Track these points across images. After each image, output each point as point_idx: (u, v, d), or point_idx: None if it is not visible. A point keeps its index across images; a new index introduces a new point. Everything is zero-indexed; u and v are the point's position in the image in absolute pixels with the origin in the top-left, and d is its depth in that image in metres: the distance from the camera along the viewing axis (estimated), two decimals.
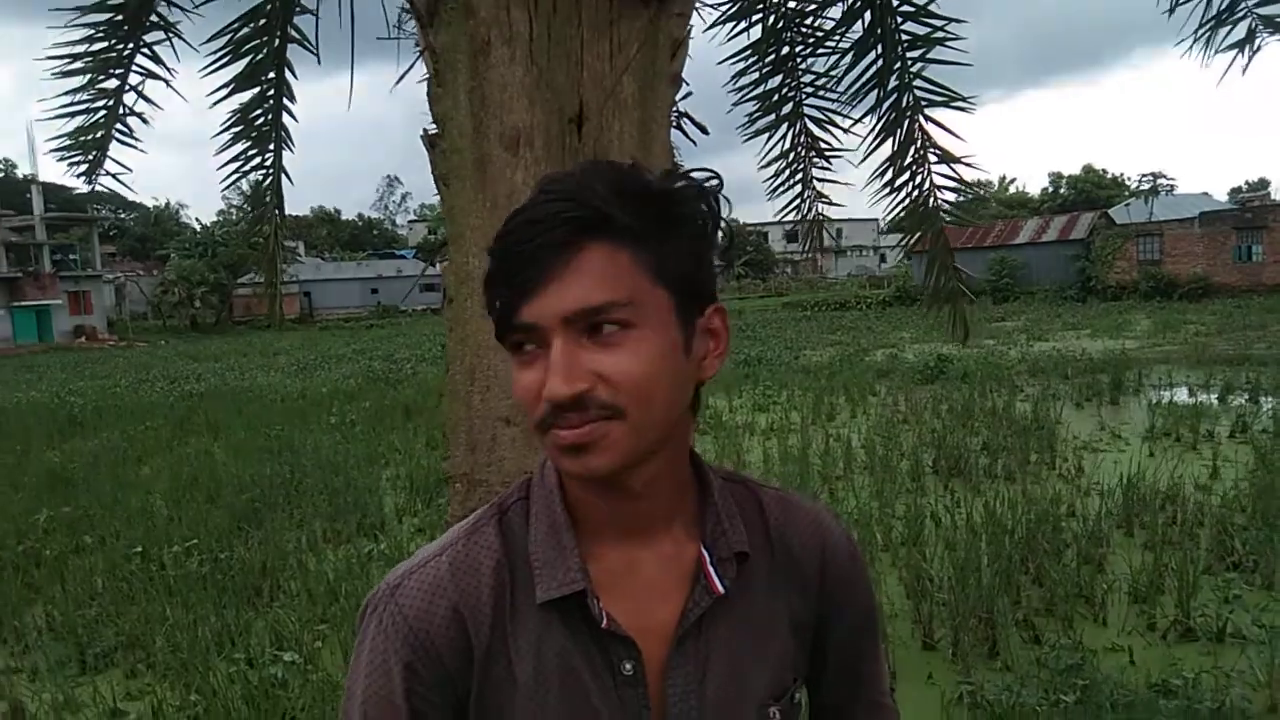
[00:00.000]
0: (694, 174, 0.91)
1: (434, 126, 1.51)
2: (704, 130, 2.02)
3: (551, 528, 0.94)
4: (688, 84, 3.34)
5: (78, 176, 3.13)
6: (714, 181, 0.92)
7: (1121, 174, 76.96)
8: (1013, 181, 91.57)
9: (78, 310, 50.85)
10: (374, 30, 2.73)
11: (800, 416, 11.43)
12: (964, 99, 3.36)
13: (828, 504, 1.04)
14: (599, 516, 0.95)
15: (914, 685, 4.33)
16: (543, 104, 1.38)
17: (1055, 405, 11.08)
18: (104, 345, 44.57)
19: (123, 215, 78.30)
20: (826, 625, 1.06)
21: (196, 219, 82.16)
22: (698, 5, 3.08)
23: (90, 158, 3.10)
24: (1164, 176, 55.02)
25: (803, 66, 3.53)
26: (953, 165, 3.57)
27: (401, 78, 2.14)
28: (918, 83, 3.34)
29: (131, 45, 2.87)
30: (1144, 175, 54.64)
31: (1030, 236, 39.15)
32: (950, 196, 3.74)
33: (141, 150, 3.18)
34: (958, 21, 3.18)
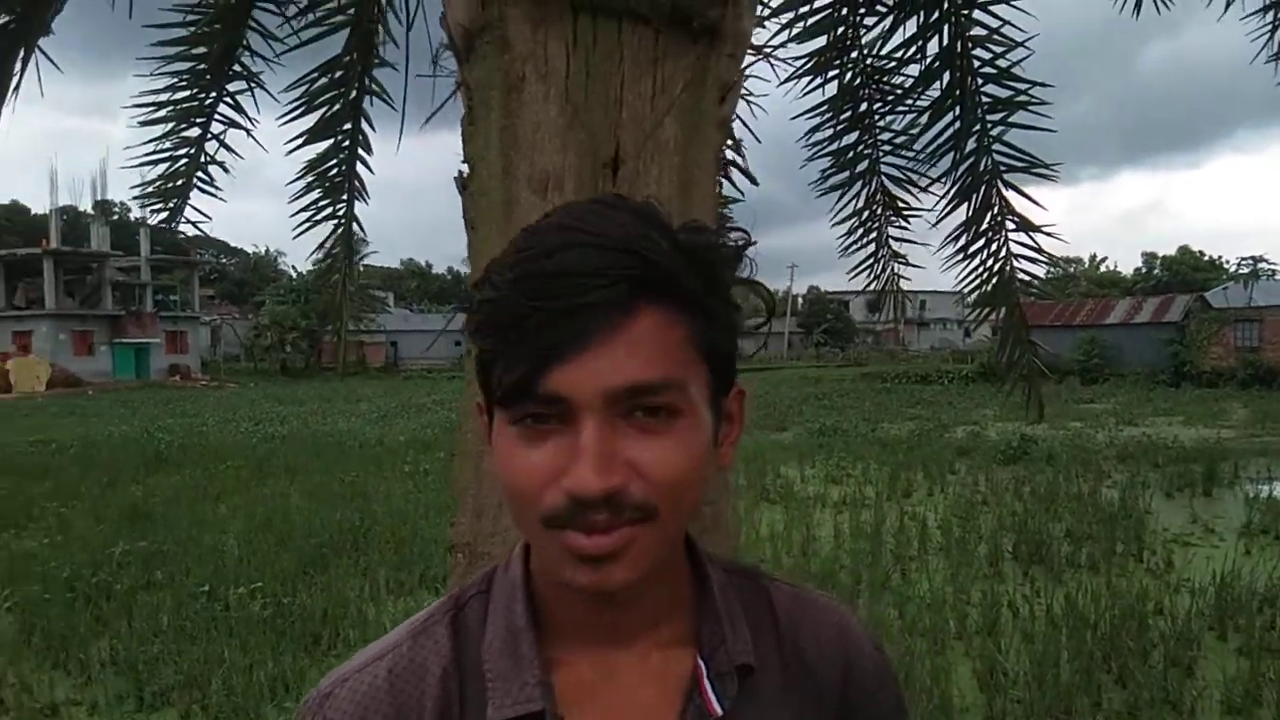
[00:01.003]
0: (730, 233, 0.78)
1: (466, 168, 1.46)
2: (753, 180, 1.94)
3: (509, 632, 0.79)
4: (755, 136, 3.31)
5: (160, 223, 3.21)
6: (745, 241, 0.79)
7: (1219, 257, 74.73)
8: (1103, 260, 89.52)
9: (174, 349, 52.76)
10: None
11: (875, 491, 11.13)
12: (1046, 166, 3.23)
13: (849, 608, 0.93)
14: (573, 618, 0.80)
15: None
16: (576, 145, 1.30)
17: (1144, 494, 10.58)
18: (196, 385, 46.05)
19: (223, 260, 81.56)
20: None
21: (293, 266, 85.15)
22: (772, 60, 3.05)
23: (171, 205, 3.18)
24: (1265, 261, 53.03)
25: (880, 124, 3.45)
26: (1032, 234, 3.42)
27: (430, 117, 2.10)
28: (998, 147, 3.23)
29: (214, 94, 2.95)
30: (1243, 259, 52.69)
31: (1122, 317, 38.04)
32: (1029, 267, 3.59)
33: (221, 199, 3.25)
34: (1043, 86, 3.08)
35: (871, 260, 3.92)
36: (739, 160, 3.34)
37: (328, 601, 6.54)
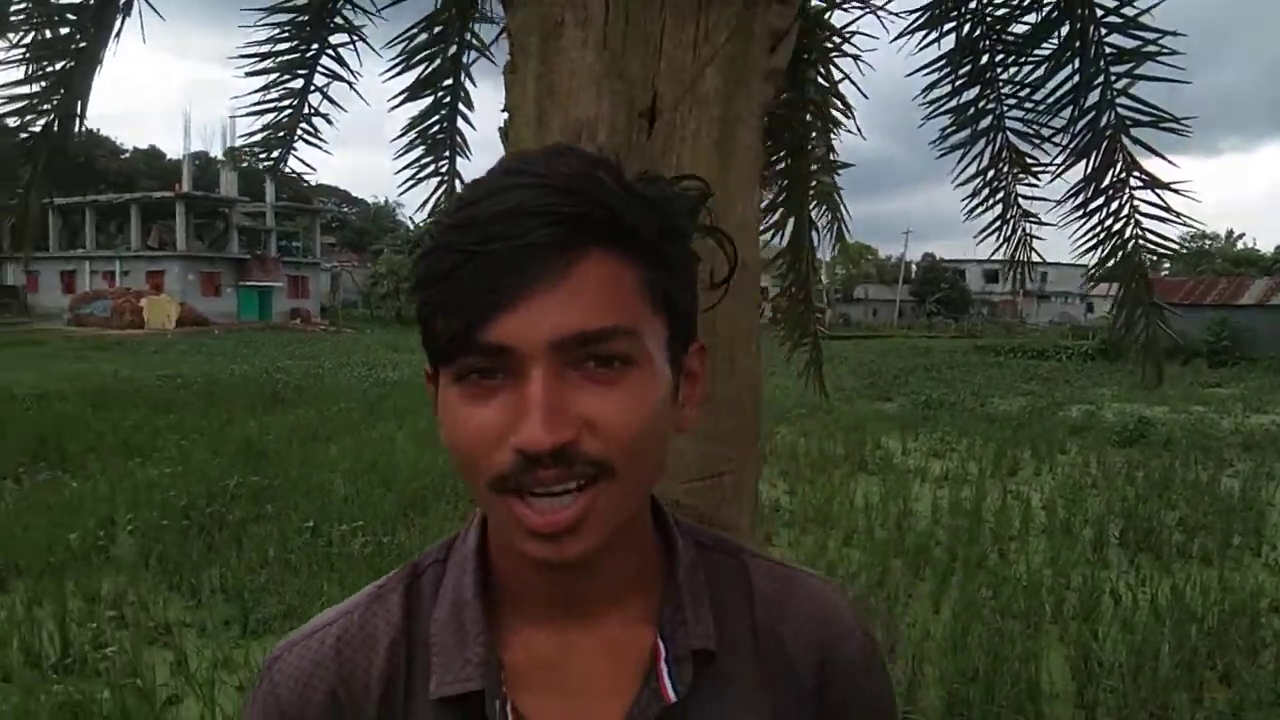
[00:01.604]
0: (685, 183, 0.74)
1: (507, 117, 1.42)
2: (862, 136, 1.83)
3: (456, 605, 0.75)
4: (862, 93, 3.18)
5: (265, 172, 3.30)
6: (703, 192, 0.75)
7: None
8: (1240, 237, 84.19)
9: (295, 294, 54.75)
10: None
11: (978, 468, 10.84)
12: (1177, 120, 3.01)
13: (841, 591, 0.87)
14: (530, 589, 0.76)
15: None
16: (612, 95, 1.25)
17: (1269, 486, 10.02)
18: (316, 329, 47.68)
19: (344, 209, 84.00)
20: None
21: (410, 217, 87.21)
22: (883, 13, 2.93)
23: (275, 155, 3.25)
24: None
25: (1003, 76, 3.26)
26: (1160, 192, 3.21)
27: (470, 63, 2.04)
28: (1122, 100, 3.03)
29: (315, 46, 2.99)
30: None
31: (1258, 298, 35.79)
32: (1157, 227, 3.37)
33: (327, 150, 3.31)
34: (1173, 35, 2.87)
35: (1000, 222, 3.72)
36: (843, 119, 3.26)
37: (425, 543, 6.69)
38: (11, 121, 2.42)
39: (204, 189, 53.04)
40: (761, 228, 3.43)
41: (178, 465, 9.39)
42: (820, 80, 3.00)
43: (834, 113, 3.15)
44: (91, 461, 9.71)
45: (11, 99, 2.42)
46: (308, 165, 3.36)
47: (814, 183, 3.40)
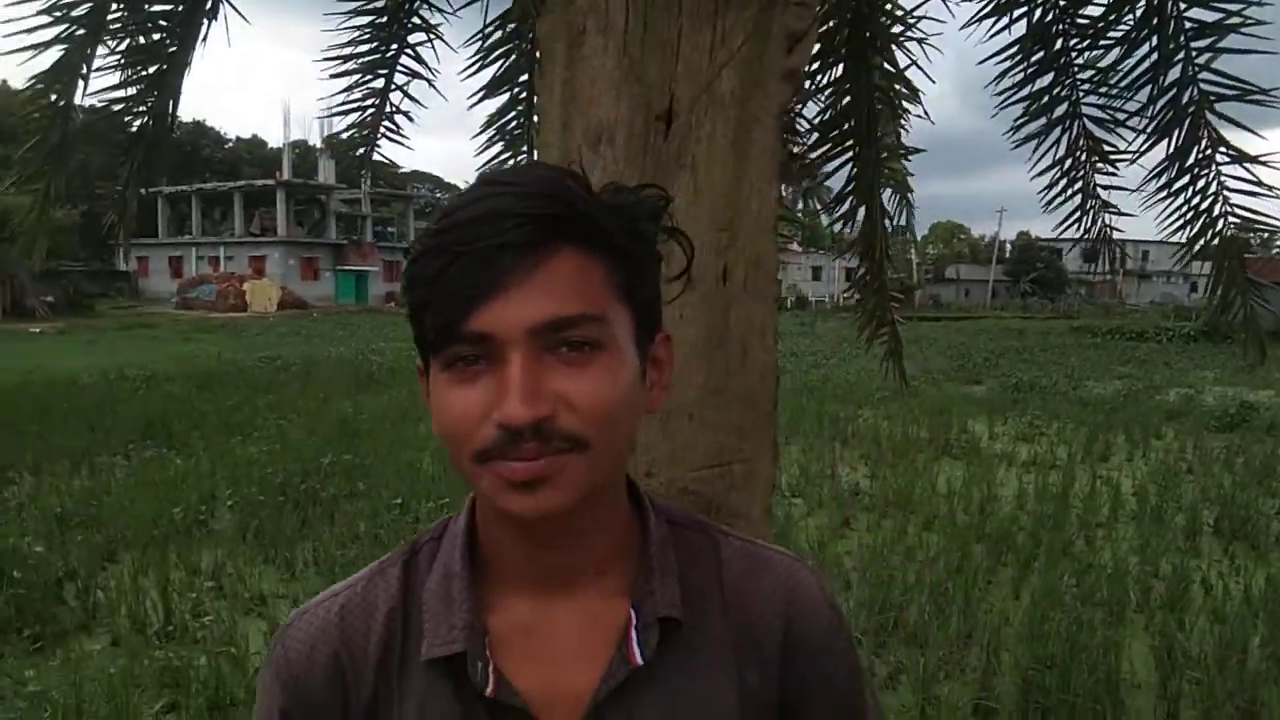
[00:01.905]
0: (646, 192, 0.81)
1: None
2: (930, 121, 1.84)
3: (445, 577, 0.83)
4: (929, 78, 3.14)
5: (357, 170, 3.47)
6: (664, 199, 0.82)
7: None
8: None
9: (390, 278, 56.02)
10: None
11: (1068, 453, 10.57)
12: (1264, 92, 2.91)
13: (809, 567, 0.93)
14: (513, 565, 0.83)
15: None
16: (629, 98, 1.30)
17: None
18: None
19: (437, 195, 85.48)
20: (800, 709, 0.88)
21: None
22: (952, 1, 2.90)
23: (361, 153, 3.40)
24: None
25: (1078, 62, 3.19)
26: (1249, 166, 3.11)
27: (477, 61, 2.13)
28: (1205, 75, 2.94)
29: (395, 47, 3.11)
30: None
31: None
32: (1248, 203, 3.27)
33: (409, 147, 3.46)
34: (1257, 4, 2.78)
35: (1079, 213, 3.63)
36: (909, 107, 3.24)
37: None
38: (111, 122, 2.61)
39: (303, 176, 54.62)
40: (833, 217, 3.45)
41: (275, 444, 9.78)
42: (886, 66, 2.98)
43: (903, 99, 3.13)
44: (195, 440, 10.18)
45: (111, 102, 2.60)
46: (390, 161, 3.49)
47: (885, 170, 3.37)
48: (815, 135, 3.08)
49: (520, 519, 0.75)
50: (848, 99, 2.92)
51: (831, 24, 2.80)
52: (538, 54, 1.42)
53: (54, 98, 2.50)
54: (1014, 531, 7.04)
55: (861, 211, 3.47)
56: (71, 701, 3.81)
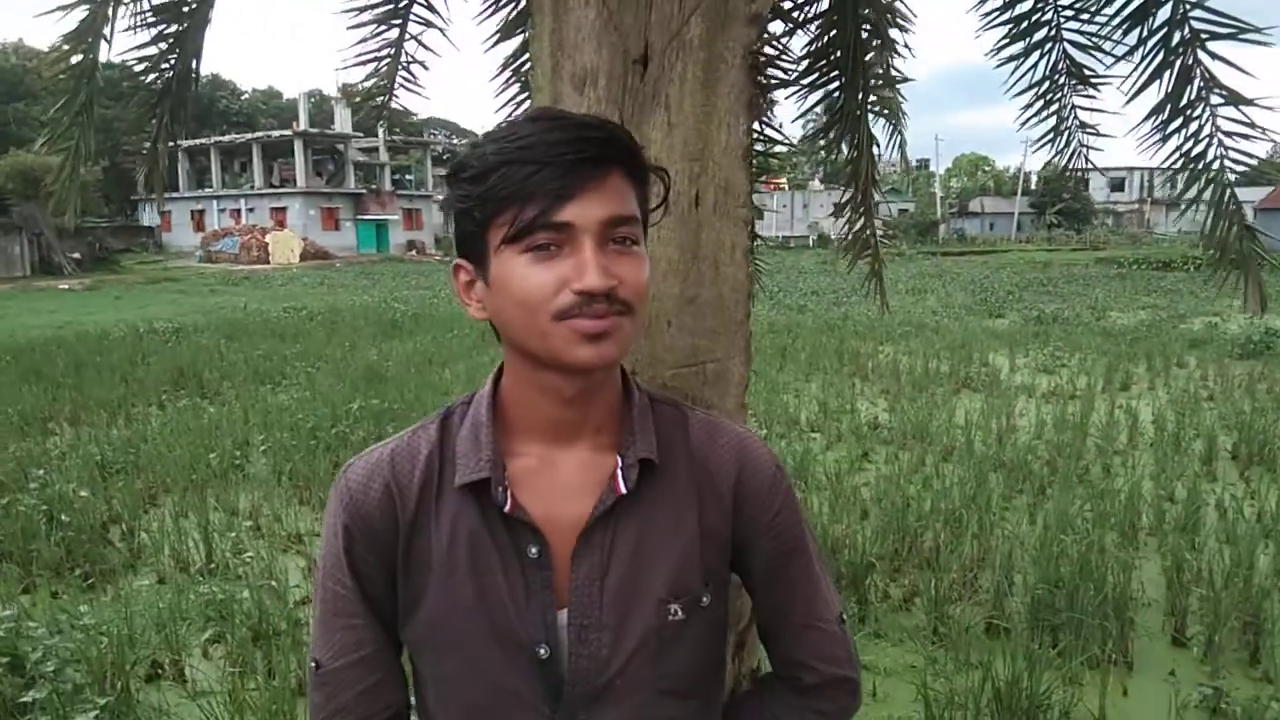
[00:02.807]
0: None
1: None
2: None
3: (474, 426, 1.08)
4: (910, 11, 3.13)
5: (374, 120, 3.57)
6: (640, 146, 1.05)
7: None
8: None
9: (410, 226, 56.22)
10: None
11: (1088, 383, 10.62)
12: (1257, 30, 2.89)
13: (755, 435, 1.16)
14: (530, 419, 1.07)
15: (1151, 680, 4.03)
16: (609, 46, 1.46)
17: None
18: (430, 259, 48.97)
19: (455, 141, 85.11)
20: (749, 547, 1.13)
21: None
22: None
23: (379, 102, 3.50)
24: None
25: None
26: (1242, 108, 3.11)
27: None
28: (1197, 13, 2.94)
29: None
30: None
31: None
32: (1242, 145, 3.26)
33: (425, 96, 3.55)
34: None
35: (1053, 134, 3.68)
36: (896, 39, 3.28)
37: None
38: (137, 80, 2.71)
39: (320, 126, 54.52)
40: (818, 145, 3.51)
41: (305, 391, 10.00)
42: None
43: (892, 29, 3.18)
44: (226, 389, 10.43)
45: (138, 60, 2.70)
46: (406, 109, 3.58)
47: (874, 99, 3.42)
48: (805, 65, 3.16)
49: (587, 367, 0.98)
50: (834, 31, 2.97)
51: None
52: (530, 7, 1.55)
53: (79, 58, 2.60)
54: (1030, 460, 7.14)
55: (848, 140, 3.53)
56: (124, 633, 4.03)
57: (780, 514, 1.13)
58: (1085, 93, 3.45)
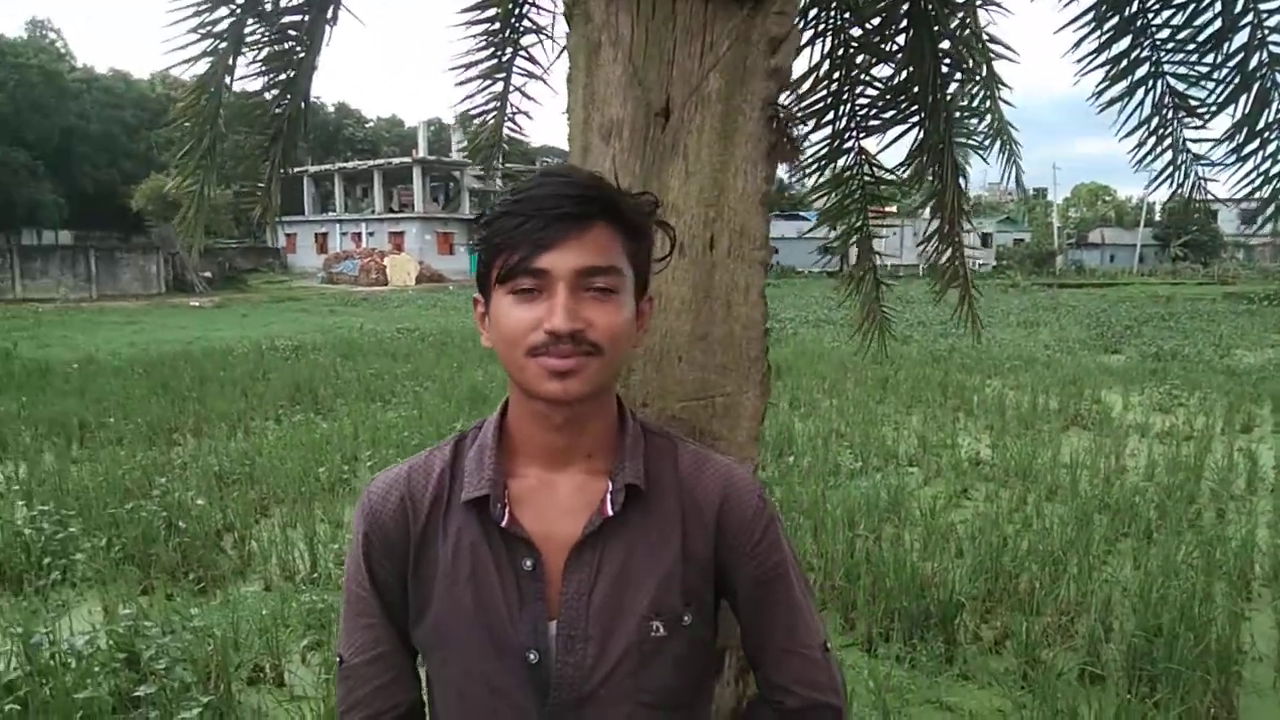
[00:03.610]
0: (644, 195, 1.17)
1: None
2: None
3: (480, 448, 1.20)
4: (1012, 51, 3.13)
5: (484, 173, 3.77)
6: (654, 203, 1.20)
7: None
8: None
9: None
10: None
11: (1206, 423, 10.15)
12: None
13: (745, 469, 1.25)
14: (531, 445, 1.19)
15: None
16: (633, 99, 1.55)
17: None
18: None
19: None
20: (731, 572, 1.20)
21: None
22: None
23: (485, 155, 3.71)
24: None
25: (1155, 23, 3.15)
26: None
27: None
28: (1273, 38, 2.88)
29: (510, 51, 3.35)
30: None
31: None
32: None
33: (531, 145, 3.72)
34: None
35: (1171, 169, 3.57)
36: (974, 70, 3.27)
37: None
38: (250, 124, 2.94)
39: (438, 153, 56.20)
40: (902, 174, 3.54)
41: (413, 409, 10.33)
42: (962, 32, 3.04)
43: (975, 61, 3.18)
44: (339, 405, 10.85)
45: (253, 106, 2.93)
46: (520, 139, 3.75)
47: (956, 131, 3.42)
48: (887, 96, 3.20)
49: (553, 400, 1.10)
50: (912, 65, 3.00)
51: None
52: (569, 62, 1.67)
53: (203, 102, 2.84)
54: (1138, 502, 6.88)
55: (932, 172, 3.54)
56: (230, 636, 4.26)
57: (762, 542, 1.21)
58: (1193, 124, 3.37)
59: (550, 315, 1.05)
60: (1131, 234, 67.12)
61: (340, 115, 70.04)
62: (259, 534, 6.17)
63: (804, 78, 3.12)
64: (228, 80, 2.83)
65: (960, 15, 3.06)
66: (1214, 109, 3.13)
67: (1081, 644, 4.58)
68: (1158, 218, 65.23)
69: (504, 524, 1.15)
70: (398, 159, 55.14)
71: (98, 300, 34.91)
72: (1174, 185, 3.58)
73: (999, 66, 3.63)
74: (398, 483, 1.22)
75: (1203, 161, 3.44)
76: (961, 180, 3.60)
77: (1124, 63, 3.14)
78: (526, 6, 3.24)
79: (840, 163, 3.64)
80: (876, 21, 3.03)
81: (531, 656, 1.14)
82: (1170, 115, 3.33)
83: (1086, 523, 6.27)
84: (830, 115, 3.38)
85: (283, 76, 2.88)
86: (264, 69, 2.85)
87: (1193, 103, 3.25)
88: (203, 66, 2.77)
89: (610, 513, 1.16)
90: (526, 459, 1.20)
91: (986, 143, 3.83)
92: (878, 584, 5.01)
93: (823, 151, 3.59)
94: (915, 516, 6.53)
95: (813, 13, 3.04)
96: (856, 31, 3.09)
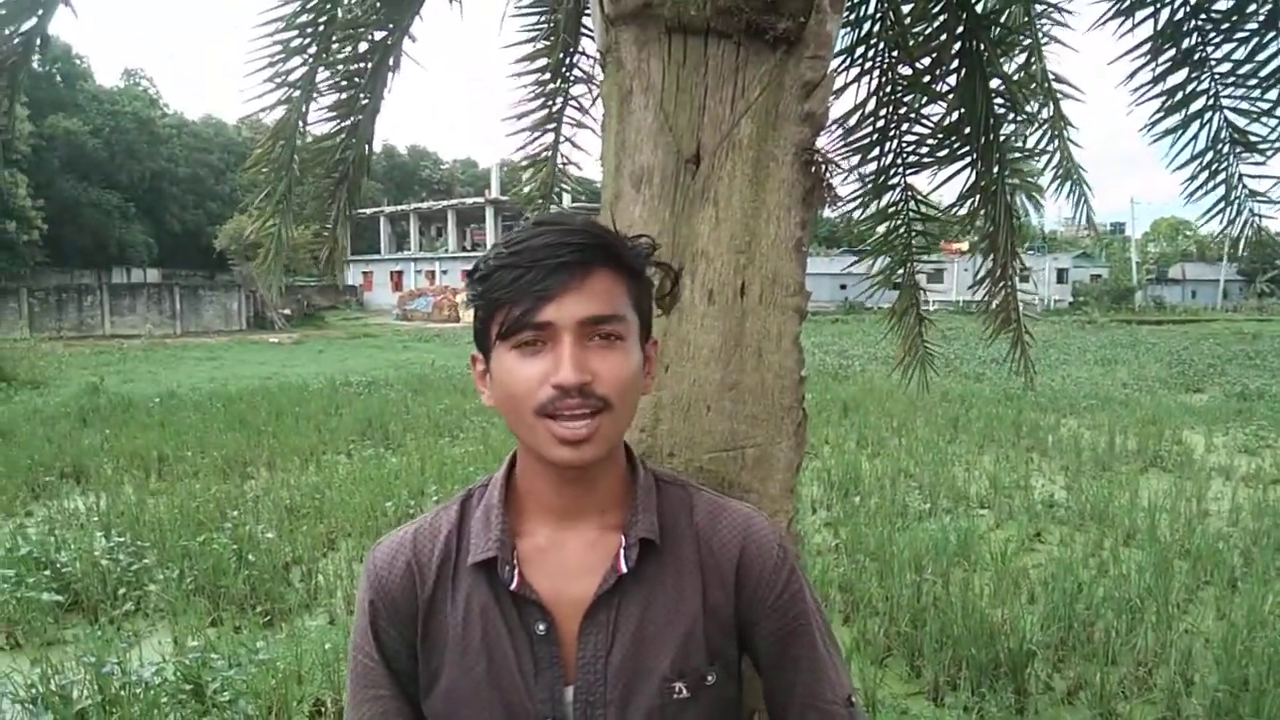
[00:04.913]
0: (641, 239, 1.12)
1: None
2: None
3: (487, 509, 1.16)
4: (1076, 89, 3.09)
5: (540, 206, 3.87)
6: (652, 245, 1.15)
7: None
8: None
9: None
10: None
11: None
12: None
13: (763, 516, 1.21)
14: (539, 502, 1.14)
15: None
16: (664, 146, 1.53)
17: None
18: None
19: None
20: (752, 626, 1.14)
21: None
22: (1070, 10, 2.89)
23: (543, 203, 3.79)
24: None
25: (1214, 56, 3.07)
26: None
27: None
28: None
29: (560, 100, 3.41)
30: None
31: None
32: None
33: (581, 194, 3.80)
34: None
35: (1223, 204, 3.50)
36: (1024, 109, 3.23)
37: None
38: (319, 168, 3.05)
39: (509, 194, 57.18)
40: (954, 214, 3.50)
41: (479, 444, 10.41)
42: (1024, 74, 3.00)
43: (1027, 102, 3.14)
44: (408, 440, 10.99)
45: (321, 151, 3.04)
46: (582, 179, 3.83)
47: (1012, 173, 3.38)
48: (938, 135, 3.18)
49: (567, 465, 1.06)
50: (963, 107, 2.97)
51: (944, 37, 2.88)
52: (604, 109, 1.68)
53: (279, 149, 2.95)
54: (1222, 549, 6.61)
55: (984, 213, 3.50)
56: (294, 669, 4.32)
57: (784, 594, 1.16)
58: (1250, 159, 3.28)
59: (556, 369, 1.01)
60: (1214, 269, 65.00)
61: (416, 158, 71.82)
62: (325, 568, 6.26)
63: (850, 114, 3.12)
64: (301, 126, 2.94)
65: (1025, 57, 3.03)
66: (1277, 146, 3.04)
67: (1160, 697, 4.39)
68: (1242, 253, 62.94)
69: (513, 587, 1.10)
70: (471, 199, 56.32)
71: (181, 336, 36.15)
72: (1225, 221, 3.51)
73: (1067, 106, 3.60)
74: (403, 547, 1.18)
75: (1259, 198, 3.35)
76: (1015, 221, 3.55)
77: (1179, 95, 3.07)
78: (576, 55, 3.30)
79: (885, 199, 3.63)
80: (927, 61, 3.02)
81: None
82: (1226, 150, 3.26)
83: (1166, 569, 6.04)
84: (876, 151, 3.37)
85: (348, 121, 2.98)
86: (331, 114, 2.95)
87: (1253, 139, 3.17)
88: (279, 113, 2.88)
89: (624, 569, 1.11)
90: (535, 517, 1.15)
91: (1054, 184, 3.76)
92: (945, 630, 4.88)
93: (868, 187, 3.58)
94: (985, 560, 6.36)
95: (859, 51, 3.04)
96: (906, 70, 3.08)
